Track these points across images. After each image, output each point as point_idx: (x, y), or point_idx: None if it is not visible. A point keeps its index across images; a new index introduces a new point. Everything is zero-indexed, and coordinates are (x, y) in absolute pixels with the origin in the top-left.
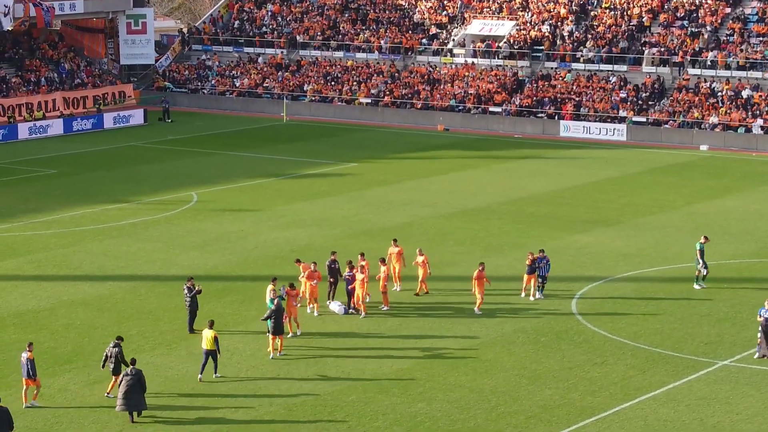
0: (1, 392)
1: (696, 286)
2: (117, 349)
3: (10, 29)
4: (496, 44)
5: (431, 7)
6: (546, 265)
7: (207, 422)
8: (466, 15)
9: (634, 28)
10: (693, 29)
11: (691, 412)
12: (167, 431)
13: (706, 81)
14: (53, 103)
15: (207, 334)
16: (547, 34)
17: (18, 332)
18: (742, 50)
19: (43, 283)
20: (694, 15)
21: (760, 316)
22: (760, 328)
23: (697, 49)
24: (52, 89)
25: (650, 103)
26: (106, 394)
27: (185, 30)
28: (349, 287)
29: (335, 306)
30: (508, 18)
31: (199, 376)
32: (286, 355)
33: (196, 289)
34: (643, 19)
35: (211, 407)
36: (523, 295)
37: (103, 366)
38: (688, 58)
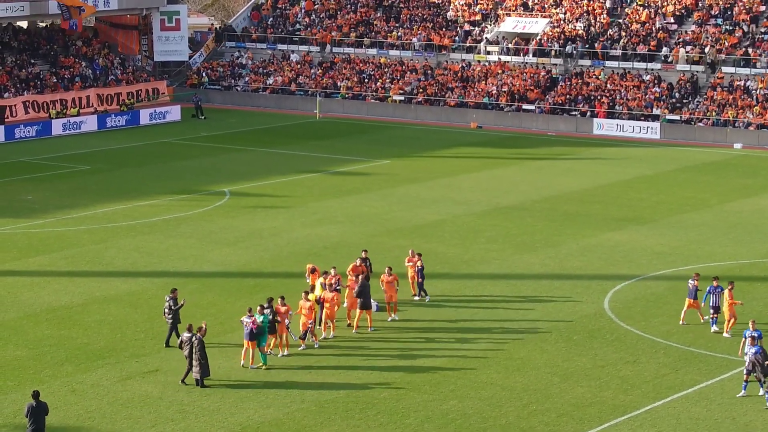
0: (34, 387)
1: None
2: (269, 309)
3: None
4: (530, 42)
5: (465, 4)
6: (719, 294)
7: (239, 419)
8: (499, 12)
9: (668, 25)
10: (727, 27)
11: (723, 410)
12: (198, 428)
13: (740, 79)
14: (87, 99)
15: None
16: (580, 31)
17: (51, 328)
18: None
19: (75, 279)
20: (729, 13)
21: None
22: (749, 365)
23: (717, 56)
24: (86, 86)
25: (684, 101)
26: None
27: (219, 26)
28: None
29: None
30: (541, 15)
31: (295, 338)
32: (317, 348)
33: (180, 303)
34: (678, 16)
35: (242, 404)
36: (682, 322)
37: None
38: (723, 56)
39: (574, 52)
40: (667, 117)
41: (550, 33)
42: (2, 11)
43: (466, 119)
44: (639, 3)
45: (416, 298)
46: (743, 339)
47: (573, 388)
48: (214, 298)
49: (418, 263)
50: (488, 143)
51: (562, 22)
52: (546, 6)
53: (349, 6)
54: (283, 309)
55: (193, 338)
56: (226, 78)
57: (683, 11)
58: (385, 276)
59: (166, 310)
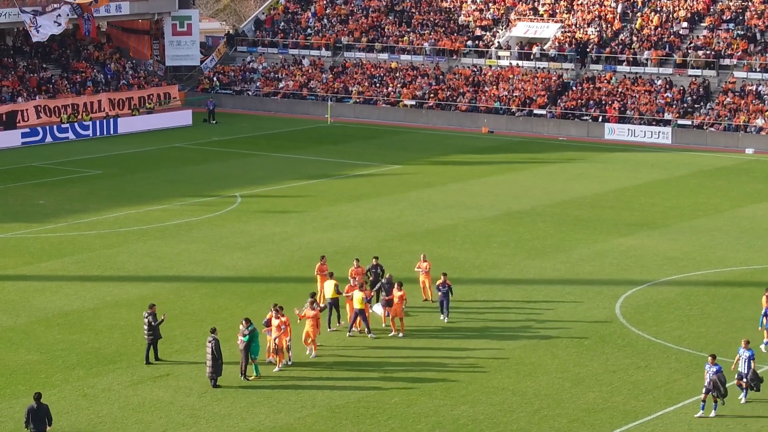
0: (45, 391)
1: None
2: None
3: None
4: (541, 46)
5: (476, 9)
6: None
7: (250, 424)
8: (510, 17)
9: (680, 30)
10: (739, 32)
11: (735, 416)
12: None
13: (752, 84)
14: (99, 104)
15: (358, 296)
16: (592, 36)
17: (62, 332)
18: None
19: (87, 284)
20: (741, 17)
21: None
22: (709, 384)
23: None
24: (97, 90)
25: (696, 106)
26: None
27: (231, 31)
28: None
29: (378, 308)
30: (552, 20)
31: (348, 334)
32: (326, 354)
33: (160, 319)
34: (690, 21)
35: (254, 409)
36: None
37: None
38: (735, 60)
39: (586, 57)
40: (679, 122)
41: (562, 38)
42: (14, 16)
43: (477, 124)
44: (651, 8)
45: (445, 319)
46: (737, 356)
47: (584, 393)
48: (225, 303)
49: (448, 282)
50: (499, 148)
51: (573, 27)
52: (557, 11)
53: (360, 11)
54: (276, 322)
55: (210, 338)
56: (237, 82)
57: (695, 16)
58: (395, 291)
59: (146, 327)
